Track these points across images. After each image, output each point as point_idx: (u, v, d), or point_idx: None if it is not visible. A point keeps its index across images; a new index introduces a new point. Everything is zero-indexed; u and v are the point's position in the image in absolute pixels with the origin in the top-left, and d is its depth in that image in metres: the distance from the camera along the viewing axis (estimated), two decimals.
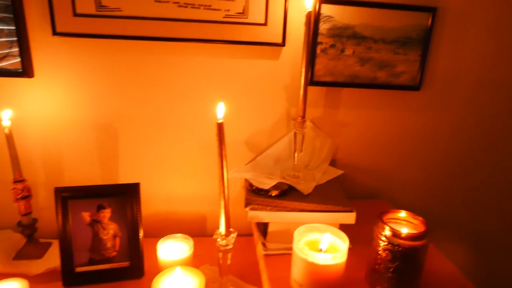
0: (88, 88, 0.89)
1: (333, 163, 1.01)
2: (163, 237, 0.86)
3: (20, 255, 0.88)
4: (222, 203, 0.71)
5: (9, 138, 0.81)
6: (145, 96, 0.91)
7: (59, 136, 0.92)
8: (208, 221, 1.04)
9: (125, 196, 0.82)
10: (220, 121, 0.66)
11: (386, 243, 0.63)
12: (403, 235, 0.62)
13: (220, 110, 0.66)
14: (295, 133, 0.89)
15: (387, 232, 0.64)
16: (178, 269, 0.70)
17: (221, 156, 0.68)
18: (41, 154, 0.93)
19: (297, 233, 0.66)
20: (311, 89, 0.94)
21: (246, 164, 0.97)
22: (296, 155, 0.90)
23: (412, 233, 0.63)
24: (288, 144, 0.97)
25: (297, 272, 0.64)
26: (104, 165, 0.96)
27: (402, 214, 0.68)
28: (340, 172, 0.94)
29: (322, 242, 0.65)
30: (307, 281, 0.62)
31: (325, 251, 0.64)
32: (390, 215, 0.68)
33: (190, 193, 1.01)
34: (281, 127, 0.98)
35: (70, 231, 0.80)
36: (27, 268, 0.83)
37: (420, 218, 0.67)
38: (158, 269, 0.84)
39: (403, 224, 0.67)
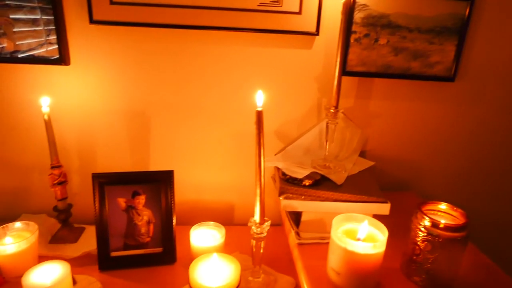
0: (122, 76, 0.90)
1: (362, 154, 1.00)
2: (190, 225, 0.87)
3: (56, 239, 0.90)
4: (258, 191, 0.72)
5: (48, 124, 0.82)
6: (177, 85, 0.92)
7: (92, 123, 0.94)
8: (236, 211, 1.05)
9: (159, 183, 0.83)
10: (259, 109, 0.66)
11: (425, 233, 0.63)
12: (444, 226, 0.62)
13: (259, 98, 0.66)
14: (327, 123, 0.89)
15: (426, 222, 0.63)
16: (215, 255, 0.70)
17: (259, 144, 0.69)
18: (75, 141, 0.95)
19: (335, 222, 0.66)
20: (343, 79, 0.92)
21: (276, 154, 0.97)
22: (327, 145, 0.90)
23: (453, 224, 0.62)
24: (319, 134, 0.97)
25: (335, 261, 0.64)
26: (135, 153, 0.97)
27: (442, 206, 0.67)
28: (371, 163, 0.94)
29: (360, 232, 0.65)
30: (345, 270, 0.63)
31: (362, 241, 0.64)
32: (429, 206, 0.67)
33: (219, 182, 1.02)
34: (312, 117, 0.98)
35: (106, 217, 0.81)
36: (63, 251, 0.85)
37: (460, 210, 0.66)
38: (189, 256, 0.86)
39: (441, 215, 0.67)
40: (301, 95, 0.95)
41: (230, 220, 1.06)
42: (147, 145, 0.96)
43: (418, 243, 0.64)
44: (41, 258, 0.81)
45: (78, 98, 0.91)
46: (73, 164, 0.96)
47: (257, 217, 0.74)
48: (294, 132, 0.98)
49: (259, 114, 0.66)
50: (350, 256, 0.61)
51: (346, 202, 0.77)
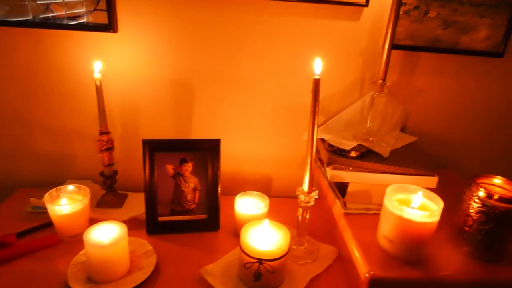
0: (168, 44, 0.91)
1: (402, 130, 1.00)
2: (228, 195, 0.89)
3: (101, 204, 0.94)
4: (309, 160, 0.73)
5: (99, 90, 0.84)
6: (222, 55, 0.92)
7: (137, 92, 0.95)
8: (273, 183, 1.07)
9: (206, 151, 0.85)
10: (316, 77, 0.66)
11: (480, 205, 0.64)
12: (498, 198, 0.62)
13: (317, 66, 0.66)
14: (371, 97, 0.88)
15: (481, 193, 0.64)
16: (266, 221, 0.72)
17: (314, 113, 0.69)
18: (120, 109, 0.97)
19: (389, 191, 0.67)
20: None
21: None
22: (369, 119, 0.90)
23: (509, 196, 0.63)
24: (361, 108, 0.96)
25: (388, 229, 0.65)
26: (178, 122, 0.99)
27: (497, 180, 0.67)
28: (413, 138, 0.94)
29: (414, 201, 0.66)
30: (399, 238, 0.64)
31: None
32: (483, 180, 0.68)
33: (258, 154, 1.03)
34: (354, 91, 0.97)
35: (155, 182, 0.83)
36: (111, 215, 0.88)
37: None
38: (232, 224, 0.89)
39: (495, 189, 0.67)
40: (345, 68, 0.95)
41: (267, 192, 1.06)
42: (190, 114, 0.98)
43: (471, 214, 0.65)
44: (91, 221, 0.83)
45: (124, 65, 0.92)
46: (116, 131, 0.97)
47: (305, 186, 0.75)
48: (336, 106, 0.98)
49: (316, 82, 0.67)
50: (405, 224, 0.63)
51: (394, 174, 0.78)
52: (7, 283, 0.68)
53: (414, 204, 0.66)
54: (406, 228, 0.63)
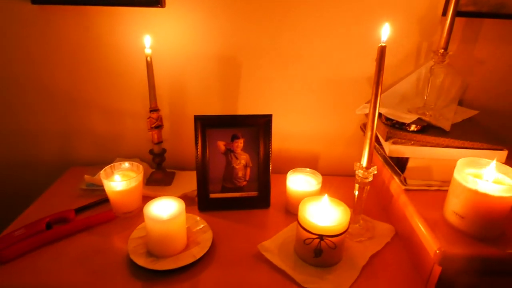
0: (215, 19, 0.89)
1: (459, 103, 0.94)
2: (275, 173, 0.87)
3: (151, 181, 0.94)
4: (369, 134, 0.70)
5: (149, 66, 0.83)
6: (270, 29, 0.89)
7: (184, 68, 0.94)
8: (320, 161, 1.05)
9: (258, 127, 0.83)
10: (382, 44, 0.63)
11: None
12: None
13: (385, 32, 0.62)
14: (430, 68, 0.84)
15: None
16: (326, 197, 0.70)
17: (378, 83, 0.66)
18: (167, 86, 0.96)
19: (460, 164, 0.63)
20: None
21: (366, 103, 0.93)
22: (427, 92, 0.86)
23: None
24: (416, 81, 0.92)
25: (459, 204, 0.62)
26: (224, 99, 0.97)
27: None
28: (474, 112, 0.89)
29: (487, 174, 0.62)
30: (472, 213, 0.61)
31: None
32: None
33: (305, 131, 1.01)
34: (409, 63, 0.92)
35: (207, 159, 0.83)
36: (162, 193, 0.88)
37: None
38: (282, 201, 0.88)
39: None
40: (399, 39, 0.90)
41: (314, 168, 1.05)
42: (236, 91, 0.96)
43: None
44: (143, 198, 0.84)
45: (171, 41, 0.91)
46: (162, 109, 0.97)
47: (364, 162, 0.72)
48: (389, 79, 0.94)
49: (382, 50, 0.63)
50: (480, 199, 0.59)
51: (459, 148, 0.74)
52: (71, 257, 0.70)
53: (487, 177, 0.62)
54: (481, 203, 0.59)
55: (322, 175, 0.85)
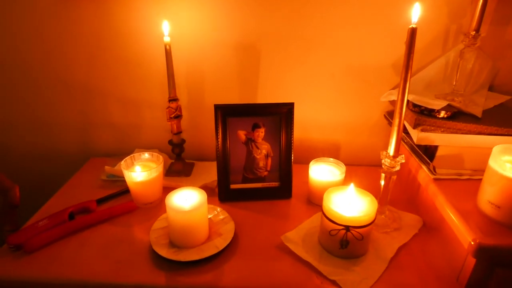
0: (235, 6, 0.86)
1: (489, 89, 0.90)
2: (295, 163, 0.85)
3: (171, 172, 0.94)
4: (397, 121, 0.67)
5: (168, 54, 0.82)
6: (290, 14, 0.87)
7: (202, 57, 0.92)
8: (342, 150, 1.02)
9: (279, 116, 0.81)
10: (413, 25, 0.59)
11: None
12: None
13: (415, 12, 0.59)
14: (461, 52, 0.80)
15: None
16: (352, 186, 0.68)
17: (407, 67, 0.63)
18: (186, 75, 0.95)
19: (496, 151, 0.60)
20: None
21: (392, 89, 0.90)
22: (456, 77, 0.82)
23: None
24: (444, 66, 0.88)
25: (494, 193, 0.59)
26: (243, 87, 0.95)
27: None
28: (506, 97, 0.85)
29: None
30: (510, 202, 0.58)
31: None
32: None
33: (326, 119, 0.98)
34: (436, 47, 0.89)
35: (228, 149, 0.81)
36: (182, 183, 0.87)
37: None
38: (303, 191, 0.86)
39: None
40: (426, 22, 0.85)
41: (336, 158, 1.03)
42: (256, 79, 0.94)
43: None
44: (164, 189, 0.84)
45: (190, 29, 0.89)
46: (181, 99, 0.95)
47: (391, 150, 0.69)
48: (415, 64, 0.90)
49: (413, 32, 0.60)
50: None
51: (492, 135, 0.70)
52: (94, 247, 0.70)
53: None
54: None
55: (345, 165, 0.83)
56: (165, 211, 0.70)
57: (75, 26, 0.90)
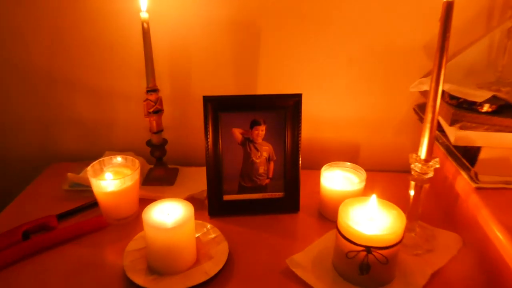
0: None
1: None
2: (305, 168, 0.86)
3: (150, 180, 0.95)
4: (430, 116, 0.67)
5: (146, 34, 0.82)
6: None
7: (189, 37, 0.93)
8: (362, 152, 1.04)
9: (284, 111, 0.81)
10: None
11: None
12: None
13: None
14: (508, 31, 0.81)
15: None
16: (374, 197, 0.69)
17: (442, 49, 0.64)
18: (169, 60, 0.96)
19: None
20: None
21: (423, 77, 0.91)
22: (503, 62, 0.83)
23: None
24: (488, 48, 0.88)
25: None
26: (240, 76, 0.97)
27: None
28: None
29: None
30: None
31: None
32: None
33: (342, 115, 1.00)
34: (477, 26, 0.89)
35: (220, 151, 0.82)
36: (164, 194, 0.88)
37: None
38: (314, 203, 0.87)
39: None
40: None
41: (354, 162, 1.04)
42: (255, 66, 0.95)
43: None
44: (140, 201, 0.84)
45: (172, 2, 0.89)
46: (162, 90, 0.95)
47: (422, 152, 0.70)
48: (452, 47, 0.90)
49: (449, 7, 0.60)
50: None
51: None
52: (55, 273, 0.70)
53: None
54: None
55: (366, 170, 0.84)
56: (142, 229, 0.70)
57: (33, 2, 0.90)
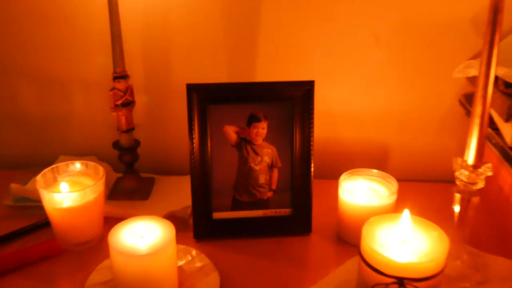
0: None
1: None
2: (317, 177, 0.86)
3: (117, 193, 0.95)
4: (479, 110, 0.67)
5: (113, 6, 0.82)
6: None
7: (168, 10, 0.93)
8: (392, 157, 1.04)
9: (291, 103, 0.81)
10: None
11: None
12: None
13: None
14: None
15: None
16: (407, 214, 0.68)
17: (494, 23, 0.63)
18: (140, 39, 0.96)
19: None
20: None
21: (471, 59, 0.91)
22: None
23: None
24: None
25: None
26: (234, 61, 0.97)
27: None
28: None
29: None
30: None
31: None
32: None
33: (364, 109, 1.01)
34: None
35: (208, 155, 0.82)
36: (136, 211, 0.87)
37: None
38: (332, 222, 0.88)
39: None
40: None
41: (383, 168, 1.04)
42: (254, 47, 0.96)
43: None
44: (105, 220, 0.84)
45: None
46: (135, 78, 0.95)
47: (470, 156, 0.69)
48: (508, 19, 0.90)
49: None
50: None
51: None
52: None
53: None
54: None
55: (397, 180, 0.84)
56: (108, 256, 0.70)
57: None
